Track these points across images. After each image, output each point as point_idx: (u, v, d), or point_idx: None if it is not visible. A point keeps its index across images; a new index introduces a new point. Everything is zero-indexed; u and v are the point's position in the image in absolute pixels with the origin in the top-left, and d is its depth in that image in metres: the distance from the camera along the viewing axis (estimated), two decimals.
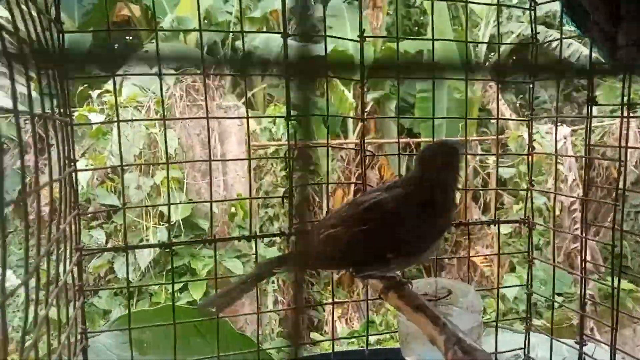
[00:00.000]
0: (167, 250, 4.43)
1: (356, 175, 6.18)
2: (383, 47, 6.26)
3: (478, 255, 5.37)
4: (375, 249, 0.80)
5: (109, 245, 4.59)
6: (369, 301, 1.06)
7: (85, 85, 5.03)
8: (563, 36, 0.94)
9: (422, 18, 7.21)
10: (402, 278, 0.79)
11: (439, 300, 0.87)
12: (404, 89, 6.52)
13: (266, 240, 5.78)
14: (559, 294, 4.87)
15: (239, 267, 4.67)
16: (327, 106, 0.95)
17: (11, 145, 4.31)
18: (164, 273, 4.97)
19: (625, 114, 0.77)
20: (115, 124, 0.95)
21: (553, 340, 1.00)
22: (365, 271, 0.83)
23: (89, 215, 4.60)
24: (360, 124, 6.37)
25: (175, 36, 5.99)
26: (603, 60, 0.93)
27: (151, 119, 4.69)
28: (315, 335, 5.59)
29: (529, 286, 1.07)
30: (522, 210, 1.07)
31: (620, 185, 0.84)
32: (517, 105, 6.27)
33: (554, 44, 4.90)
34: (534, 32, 0.92)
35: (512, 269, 5.37)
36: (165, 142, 1.03)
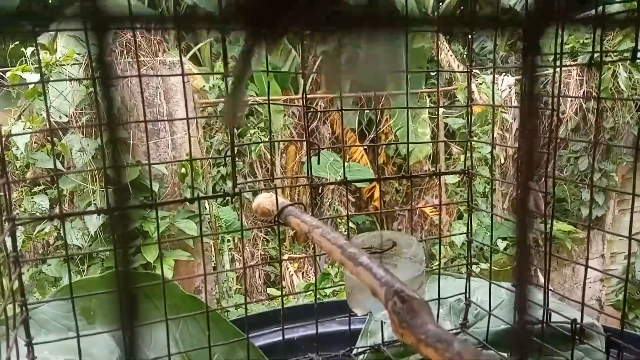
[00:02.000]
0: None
1: (309, 130, 6.14)
2: None
3: (426, 206, 5.53)
4: None
5: (56, 212, 4.43)
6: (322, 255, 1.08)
7: (17, 42, 4.70)
8: None
9: None
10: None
11: (383, 252, 0.89)
12: (353, 42, 6.46)
13: (219, 200, 5.74)
14: (504, 239, 5.11)
15: (192, 228, 4.63)
16: (267, 62, 0.93)
17: None
18: (115, 237, 4.85)
19: (558, 63, 0.79)
20: (51, 82, 0.89)
21: (492, 285, 1.06)
22: None
23: (29, 182, 4.41)
24: (306, 79, 6.30)
25: None
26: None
27: (130, 76, 4.47)
28: (272, 291, 5.68)
29: (469, 234, 1.12)
30: (468, 161, 1.10)
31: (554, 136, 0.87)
32: (465, 56, 6.33)
33: None
34: None
35: (460, 217, 5.58)
36: (143, 100, 0.96)
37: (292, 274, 5.64)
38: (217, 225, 5.40)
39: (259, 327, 1.04)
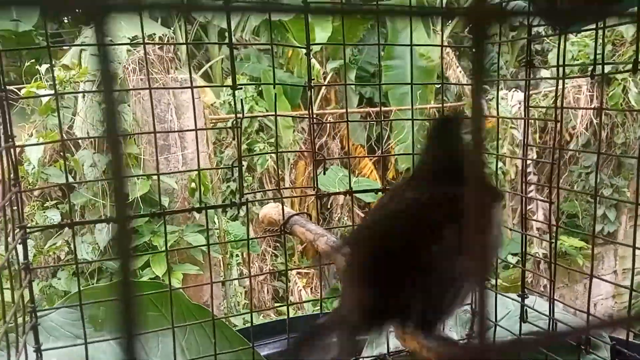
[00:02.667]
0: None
1: (317, 146, 6.18)
2: None
3: None
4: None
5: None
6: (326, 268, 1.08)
7: (33, 60, 4.81)
8: None
9: None
10: None
11: None
12: (364, 58, 6.51)
13: (228, 214, 5.77)
14: (514, 254, 5.07)
15: (200, 241, 4.64)
16: (274, 74, 0.95)
17: None
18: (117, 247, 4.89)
19: (560, 75, 0.80)
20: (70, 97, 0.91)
21: (498, 296, 1.06)
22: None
23: (39, 195, 4.48)
24: (318, 93, 6.34)
25: None
26: (543, 21, 0.96)
27: (140, 88, 4.57)
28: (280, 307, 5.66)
29: None
30: None
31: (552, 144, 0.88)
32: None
33: None
34: None
35: None
36: (153, 113, 0.97)
37: (300, 290, 5.62)
38: (226, 239, 5.41)
39: (264, 336, 1.04)
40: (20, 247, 0.72)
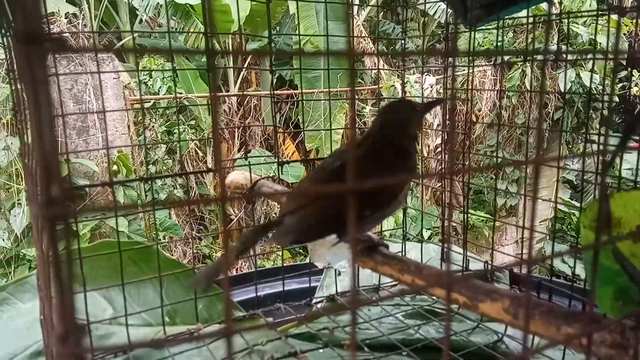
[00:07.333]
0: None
1: (242, 128, 6.28)
2: None
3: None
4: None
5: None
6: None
7: None
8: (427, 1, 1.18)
9: None
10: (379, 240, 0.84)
11: None
12: (282, 39, 6.59)
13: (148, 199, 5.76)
14: (428, 229, 5.48)
15: (123, 225, 4.62)
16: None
17: None
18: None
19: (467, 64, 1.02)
20: None
21: (423, 244, 1.28)
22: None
23: None
24: (239, 75, 6.40)
25: None
26: (457, 20, 1.18)
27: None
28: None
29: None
30: None
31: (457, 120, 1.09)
32: (389, 56, 6.68)
33: None
34: None
35: None
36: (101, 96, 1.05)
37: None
38: (151, 223, 5.41)
39: (233, 284, 1.19)
40: None
